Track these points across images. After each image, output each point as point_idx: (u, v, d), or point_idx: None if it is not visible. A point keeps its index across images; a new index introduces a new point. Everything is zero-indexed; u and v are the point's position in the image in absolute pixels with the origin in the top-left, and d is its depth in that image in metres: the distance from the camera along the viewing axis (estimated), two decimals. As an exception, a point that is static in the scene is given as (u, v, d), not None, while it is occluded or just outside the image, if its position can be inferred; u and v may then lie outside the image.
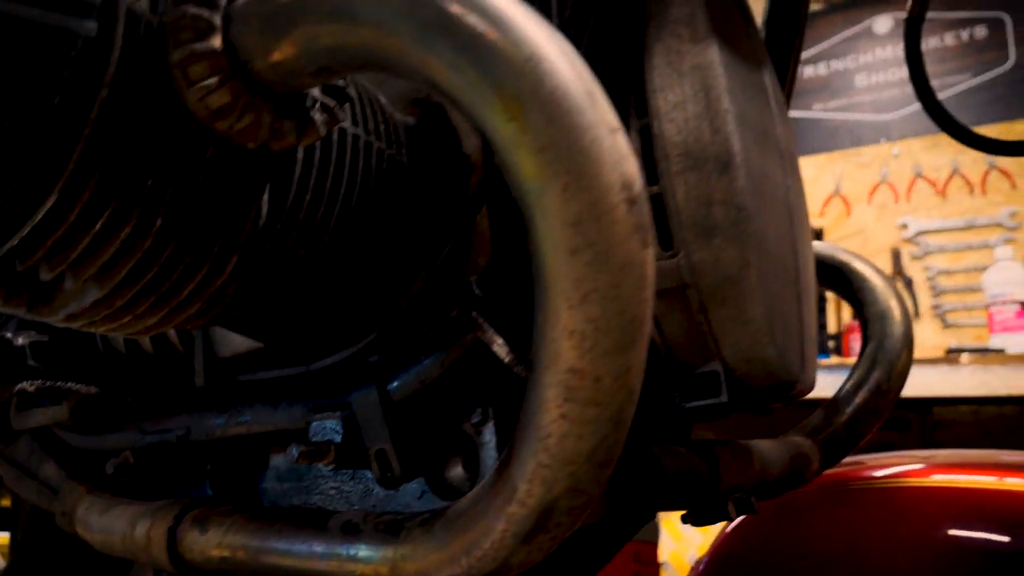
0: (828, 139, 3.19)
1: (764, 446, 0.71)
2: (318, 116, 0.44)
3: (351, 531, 0.51)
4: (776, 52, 0.77)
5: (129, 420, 0.81)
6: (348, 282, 0.60)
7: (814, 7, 3.41)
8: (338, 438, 0.63)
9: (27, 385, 0.76)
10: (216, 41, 0.39)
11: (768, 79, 0.64)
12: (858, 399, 0.83)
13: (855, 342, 2.49)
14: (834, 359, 2.48)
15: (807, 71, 3.40)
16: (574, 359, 0.34)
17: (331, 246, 0.57)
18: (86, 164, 0.39)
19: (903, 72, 3.34)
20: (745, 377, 0.57)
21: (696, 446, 0.61)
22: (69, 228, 0.41)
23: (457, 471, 0.62)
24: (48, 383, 0.77)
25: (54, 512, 0.87)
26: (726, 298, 0.55)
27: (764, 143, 0.59)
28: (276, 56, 0.39)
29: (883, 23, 3.28)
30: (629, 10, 0.57)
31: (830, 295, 3.03)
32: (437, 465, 0.63)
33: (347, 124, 0.56)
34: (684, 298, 0.56)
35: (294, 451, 0.60)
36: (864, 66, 3.13)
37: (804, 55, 3.48)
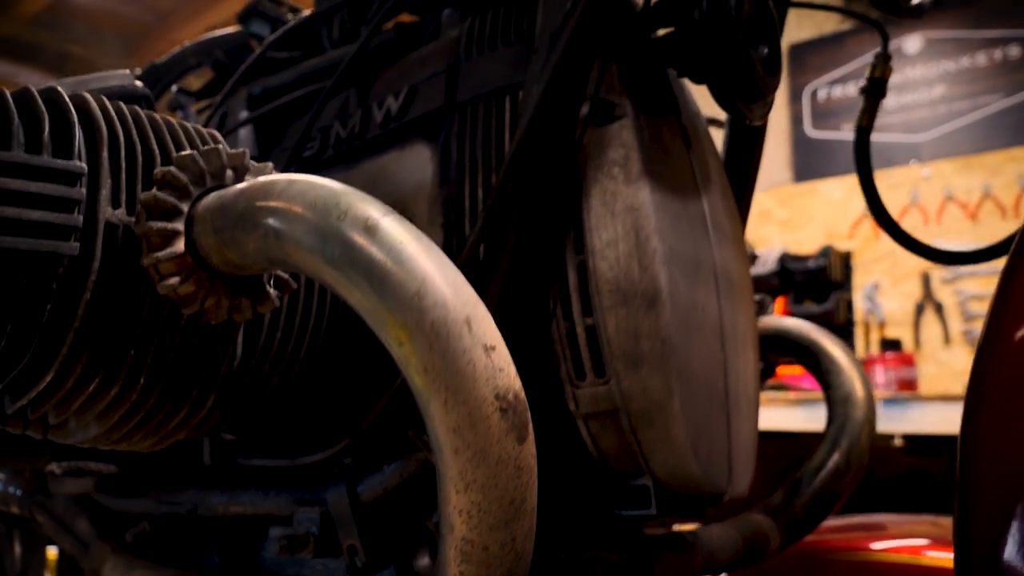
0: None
1: (715, 533, 0.76)
2: (272, 290, 0.52)
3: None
4: (735, 172, 0.82)
5: (146, 491, 0.89)
6: (317, 399, 0.68)
7: (841, 27, 3.39)
8: (316, 529, 0.70)
9: (55, 467, 0.86)
10: (180, 246, 0.47)
11: (709, 206, 0.69)
12: (818, 480, 0.87)
13: (877, 373, 2.48)
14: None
15: (835, 91, 3.38)
16: (465, 531, 0.41)
17: (301, 373, 0.64)
18: (76, 348, 0.47)
19: (933, 92, 3.30)
20: (674, 490, 0.63)
21: (636, 547, 0.66)
22: (67, 392, 0.50)
23: (424, 561, 0.70)
24: (74, 464, 0.87)
25: (84, 568, 0.97)
26: (653, 421, 0.61)
27: (696, 274, 0.65)
28: (228, 256, 0.47)
29: (913, 43, 3.24)
30: (569, 151, 0.63)
31: (858, 318, 3.02)
32: (406, 556, 0.70)
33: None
34: (616, 420, 0.62)
35: (277, 543, 0.68)
36: (893, 86, 3.08)
37: (832, 75, 3.46)
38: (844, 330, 2.98)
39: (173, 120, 0.57)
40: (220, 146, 0.50)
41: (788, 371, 2.93)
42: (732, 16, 0.63)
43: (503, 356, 0.40)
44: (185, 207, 0.48)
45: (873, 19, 0.80)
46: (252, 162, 0.52)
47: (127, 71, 0.69)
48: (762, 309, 1.04)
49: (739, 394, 0.67)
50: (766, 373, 1.03)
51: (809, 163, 3.50)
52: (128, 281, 0.48)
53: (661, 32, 0.67)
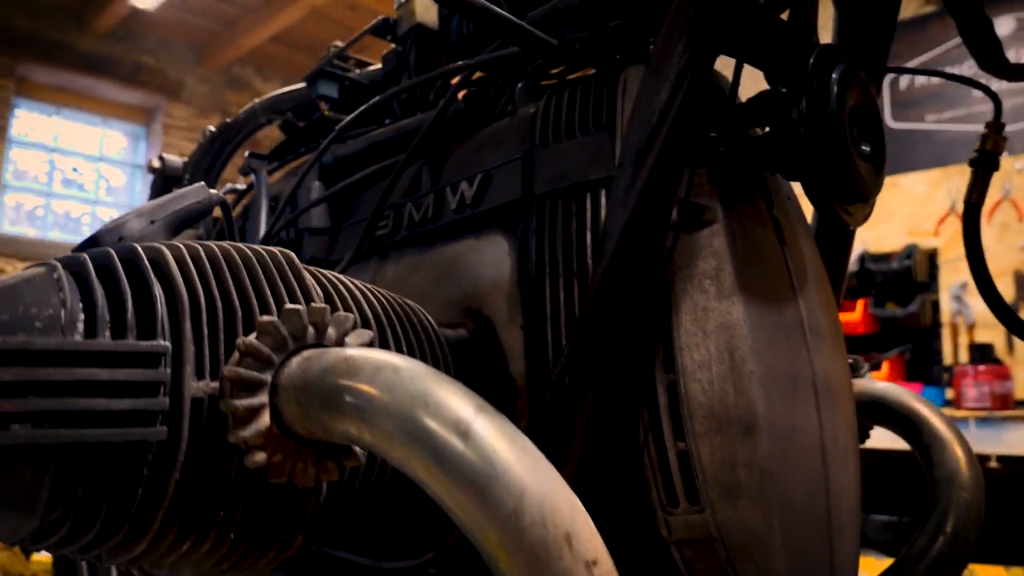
0: (942, 152, 2.98)
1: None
2: (359, 449, 0.50)
3: None
4: (829, 250, 0.77)
5: None
6: (402, 515, 0.67)
7: (924, 9, 3.19)
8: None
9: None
10: (265, 419, 0.46)
11: (806, 308, 0.65)
12: (919, 570, 0.82)
13: (967, 387, 2.35)
14: (945, 412, 2.31)
15: (918, 80, 3.18)
16: None
17: (387, 494, 0.63)
18: (167, 521, 0.47)
19: (1029, 78, 3.08)
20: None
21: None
22: (162, 553, 0.50)
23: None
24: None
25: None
26: (752, 556, 0.58)
27: (795, 392, 0.61)
28: (312, 429, 0.46)
29: (1005, 24, 3.03)
30: (658, 263, 0.60)
31: (945, 320, 2.87)
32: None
33: (396, 387, 0.62)
34: (712, 549, 0.59)
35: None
36: (982, 73, 2.89)
37: (914, 62, 3.27)
38: (930, 333, 2.84)
39: (250, 253, 0.56)
40: (300, 308, 0.48)
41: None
42: (834, 114, 0.58)
43: (605, 568, 0.38)
44: (268, 376, 0.47)
45: (983, 84, 0.73)
46: (334, 315, 0.51)
47: (201, 184, 0.68)
48: (855, 371, 0.98)
49: (841, 512, 0.63)
50: (862, 437, 0.98)
51: (890, 156, 3.32)
52: (216, 453, 0.47)
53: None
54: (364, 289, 0.66)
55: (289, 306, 0.49)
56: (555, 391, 0.58)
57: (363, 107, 0.91)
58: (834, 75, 0.59)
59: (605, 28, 0.75)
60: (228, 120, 1.19)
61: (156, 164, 1.24)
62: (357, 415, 0.42)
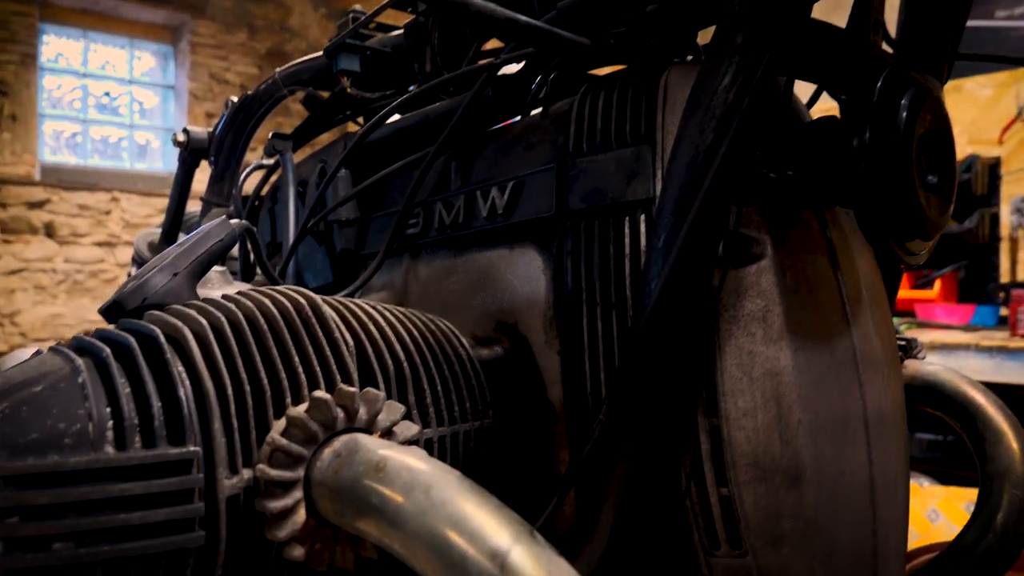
0: (1013, 53, 2.74)
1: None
2: (394, 527, 0.50)
3: None
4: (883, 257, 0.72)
5: None
6: None
7: None
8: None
9: None
10: (301, 515, 0.46)
11: (859, 337, 0.61)
12: (968, 565, 0.81)
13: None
14: (997, 339, 2.22)
15: (987, -30, 2.90)
16: None
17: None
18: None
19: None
20: (816, 659, 0.60)
21: None
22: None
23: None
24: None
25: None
26: (795, 602, 0.57)
27: (844, 435, 0.58)
28: (346, 524, 0.45)
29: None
30: (700, 307, 0.56)
31: (1004, 234, 2.74)
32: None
33: (432, 431, 0.61)
34: (754, 592, 0.59)
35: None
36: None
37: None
38: (987, 249, 2.73)
39: (276, 312, 0.54)
40: (327, 398, 0.47)
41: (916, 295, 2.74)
42: (901, 145, 0.52)
43: None
44: (300, 472, 0.46)
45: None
46: (364, 395, 0.49)
47: (223, 218, 0.66)
48: (910, 351, 0.95)
49: (888, 547, 0.62)
50: (915, 424, 0.95)
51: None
52: (257, 544, 0.48)
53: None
54: (395, 323, 0.65)
55: (318, 394, 0.48)
56: (594, 444, 0.57)
57: (390, 105, 0.87)
58: (904, 100, 0.53)
59: (640, 19, 0.68)
60: (249, 92, 1.14)
61: (181, 138, 1.22)
62: (391, 531, 0.41)
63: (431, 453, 0.62)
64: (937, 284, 2.74)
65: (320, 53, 1.09)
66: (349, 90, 1.00)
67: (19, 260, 4.06)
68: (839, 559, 0.58)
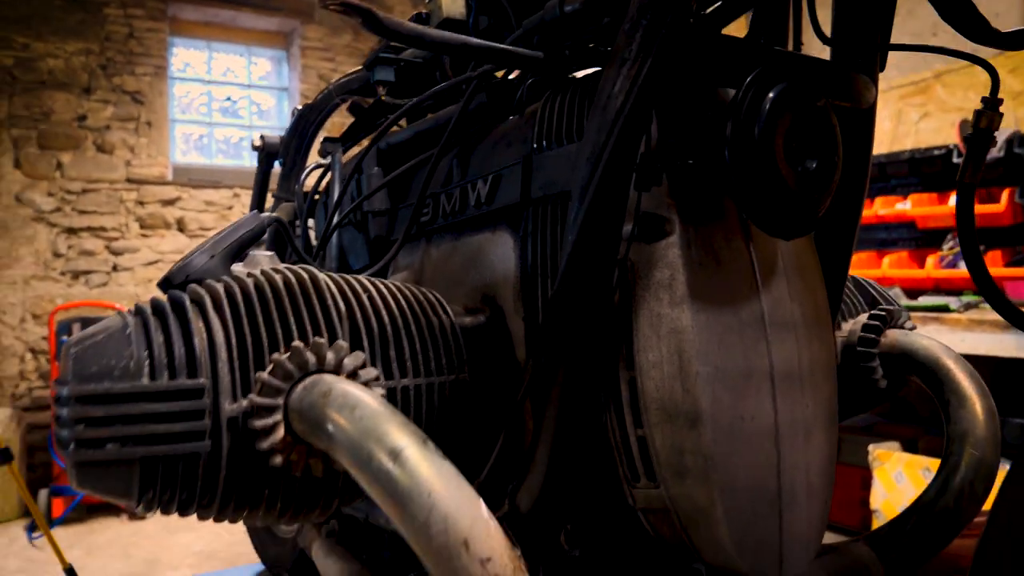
0: None
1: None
2: (357, 447, 0.65)
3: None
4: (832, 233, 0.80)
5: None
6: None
7: None
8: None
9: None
10: (280, 433, 0.62)
11: (770, 302, 0.70)
12: (926, 519, 0.87)
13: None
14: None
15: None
16: None
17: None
18: (225, 499, 0.65)
19: None
20: (725, 574, 0.70)
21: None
22: (231, 516, 0.68)
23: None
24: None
25: (299, 541, 1.24)
26: (699, 525, 0.68)
27: (745, 385, 0.68)
28: (316, 442, 0.61)
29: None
30: (609, 275, 0.67)
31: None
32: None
33: (408, 380, 0.76)
34: (668, 517, 0.70)
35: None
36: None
37: None
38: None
39: (280, 284, 0.70)
40: (300, 345, 0.63)
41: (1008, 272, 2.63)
42: (760, 140, 0.61)
43: (498, 563, 0.50)
44: (280, 400, 0.62)
45: (981, 58, 0.71)
46: (334, 344, 0.64)
47: (254, 212, 0.83)
48: (891, 321, 1.00)
49: (795, 487, 0.70)
50: (894, 388, 1.01)
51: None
52: (253, 453, 0.64)
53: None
54: (385, 293, 0.79)
55: (295, 343, 0.63)
56: (528, 377, 0.69)
57: (388, 121, 1.01)
58: (770, 94, 0.61)
59: (585, 36, 0.79)
60: (308, 102, 1.32)
61: (258, 143, 1.42)
62: (329, 440, 0.56)
63: (407, 399, 0.76)
64: (1032, 262, 2.61)
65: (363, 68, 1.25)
66: (384, 98, 1.15)
67: (155, 252, 4.57)
68: (740, 493, 0.67)
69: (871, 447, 2.43)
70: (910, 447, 2.63)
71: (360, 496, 0.76)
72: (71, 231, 4.43)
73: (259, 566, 1.89)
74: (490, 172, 0.87)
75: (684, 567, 0.73)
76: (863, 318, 1.01)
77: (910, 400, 3.03)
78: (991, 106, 0.73)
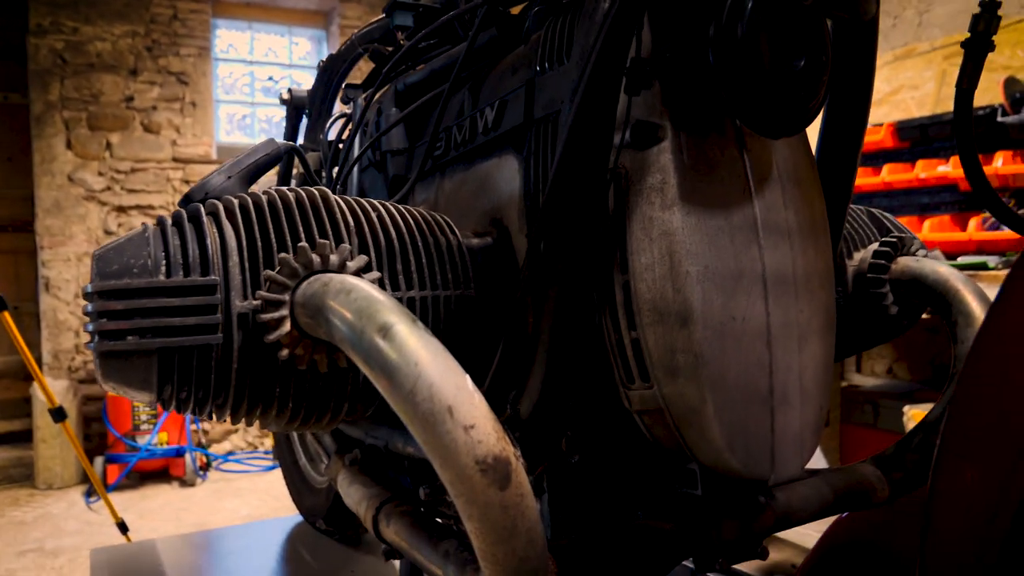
0: None
1: (798, 490, 0.82)
2: (360, 344, 0.68)
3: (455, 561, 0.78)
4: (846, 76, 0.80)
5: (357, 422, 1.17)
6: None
7: None
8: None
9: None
10: (286, 326, 0.65)
11: (763, 207, 0.71)
12: (931, 438, 0.88)
13: None
14: None
15: None
16: (477, 544, 0.56)
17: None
18: (238, 394, 0.69)
19: None
20: (719, 474, 0.72)
21: (695, 516, 0.76)
22: (246, 415, 0.72)
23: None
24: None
25: (326, 473, 1.29)
26: (691, 423, 0.70)
27: (736, 286, 0.69)
28: (319, 334, 0.64)
29: None
30: (601, 180, 0.69)
31: None
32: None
33: (414, 292, 0.79)
34: (663, 417, 0.72)
35: (421, 493, 0.90)
36: None
37: None
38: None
39: (291, 198, 0.74)
40: (305, 245, 0.66)
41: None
42: (743, 39, 0.62)
43: (482, 430, 0.53)
44: (287, 296, 0.66)
45: (980, -40, 0.70)
46: (339, 247, 0.68)
47: (270, 138, 0.87)
48: (901, 248, 1.00)
49: (788, 389, 0.72)
50: (908, 317, 1.01)
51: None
52: (262, 350, 0.68)
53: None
54: (394, 213, 0.83)
55: (301, 244, 0.67)
56: (524, 286, 0.71)
57: (395, 56, 1.04)
58: (754, -7, 0.62)
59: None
60: (332, 53, 1.36)
61: (286, 96, 1.46)
62: (327, 325, 0.60)
63: (414, 309, 0.79)
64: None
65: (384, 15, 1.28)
66: (403, 42, 1.18)
67: (201, 227, 4.74)
68: (730, 391, 0.69)
69: (906, 408, 2.39)
70: (949, 411, 2.57)
71: (367, 401, 0.80)
72: (120, 209, 4.59)
73: (297, 517, 1.97)
74: (496, 98, 0.90)
75: (680, 469, 0.75)
76: (874, 246, 1.00)
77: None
78: (989, 9, 0.73)
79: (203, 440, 4.91)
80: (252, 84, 5.15)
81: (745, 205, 0.71)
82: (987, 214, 2.83)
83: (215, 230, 0.69)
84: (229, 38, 5.08)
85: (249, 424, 0.76)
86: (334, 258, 0.67)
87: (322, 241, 0.67)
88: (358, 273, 0.69)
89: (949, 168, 2.92)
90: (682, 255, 0.68)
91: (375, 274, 0.70)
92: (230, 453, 4.97)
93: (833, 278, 0.79)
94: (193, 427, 4.74)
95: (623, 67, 0.65)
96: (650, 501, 0.78)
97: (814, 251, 0.76)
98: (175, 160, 4.67)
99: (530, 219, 0.83)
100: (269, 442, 5.01)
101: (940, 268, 0.95)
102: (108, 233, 4.54)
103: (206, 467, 4.70)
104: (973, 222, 2.83)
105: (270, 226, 0.71)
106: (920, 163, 3.03)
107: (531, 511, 0.55)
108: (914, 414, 2.38)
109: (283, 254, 0.67)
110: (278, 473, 4.68)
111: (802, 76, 0.65)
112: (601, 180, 0.68)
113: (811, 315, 0.75)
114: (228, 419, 0.73)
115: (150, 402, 0.69)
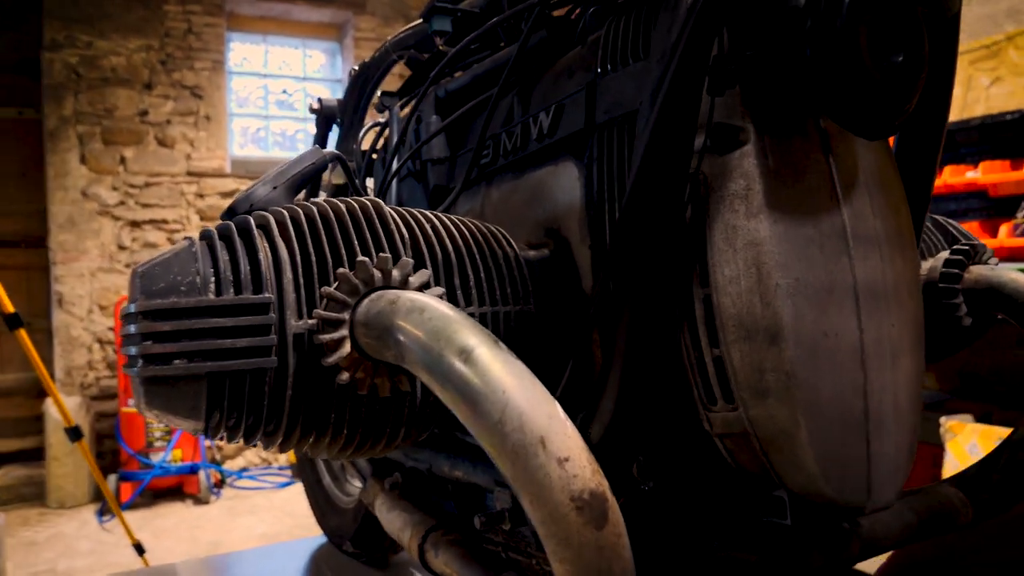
0: None
1: (881, 517, 0.77)
2: (423, 365, 0.63)
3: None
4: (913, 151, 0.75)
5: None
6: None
7: None
8: (510, 504, 0.85)
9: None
10: (346, 348, 0.60)
11: (851, 215, 0.66)
12: (1018, 457, 0.82)
13: None
14: None
15: None
16: None
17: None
18: (292, 421, 0.64)
19: None
20: (809, 503, 0.66)
21: (780, 547, 0.71)
22: (297, 443, 0.67)
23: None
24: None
25: (362, 497, 1.24)
26: (781, 448, 0.64)
27: (828, 300, 0.64)
28: (385, 356, 0.59)
29: None
30: (685, 185, 0.64)
31: None
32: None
33: (473, 308, 0.74)
34: (748, 441, 0.66)
35: (476, 521, 0.84)
36: None
37: None
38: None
39: (343, 209, 0.69)
40: (366, 260, 0.61)
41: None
42: (842, 31, 0.57)
43: (577, 464, 0.48)
44: (346, 315, 0.61)
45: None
46: (400, 261, 0.63)
47: (315, 147, 0.82)
48: (975, 257, 0.94)
49: (883, 411, 0.66)
50: (980, 327, 0.95)
51: None
52: (319, 373, 0.63)
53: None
54: (449, 224, 0.78)
55: (360, 258, 0.62)
56: (596, 304, 0.67)
57: (444, 61, 0.99)
58: (853, -14, 0.58)
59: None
60: (365, 60, 1.32)
61: (315, 106, 1.42)
62: (397, 346, 0.55)
63: (474, 326, 0.74)
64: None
65: (420, 21, 1.24)
66: (441, 47, 1.14)
67: (216, 242, 4.71)
68: (824, 413, 0.64)
69: (943, 419, 2.33)
70: (984, 421, 2.52)
71: (424, 426, 0.75)
72: (134, 224, 4.57)
73: (321, 538, 1.91)
74: (551, 103, 0.85)
75: (765, 496, 0.70)
76: (944, 255, 0.95)
77: (983, 375, 2.92)
78: None
79: (217, 456, 4.86)
80: (266, 97, 5.13)
81: (833, 213, 0.66)
82: (1019, 219, 2.77)
83: (266, 244, 0.64)
84: (243, 51, 5.06)
85: (299, 452, 0.71)
86: (396, 273, 0.63)
87: (383, 255, 0.63)
88: (421, 289, 0.64)
89: (978, 174, 2.86)
90: (771, 266, 0.63)
91: (439, 289, 0.65)
92: (244, 469, 4.92)
93: (920, 289, 0.74)
94: (207, 443, 4.69)
95: (707, 65, 0.60)
96: (729, 530, 0.73)
97: (902, 261, 0.71)
98: (189, 174, 4.64)
99: (593, 230, 0.78)
100: (283, 458, 4.95)
101: (1018, 276, 0.90)
102: (122, 248, 4.51)
103: (220, 484, 4.64)
104: (1004, 228, 2.77)
105: (323, 239, 0.66)
106: (948, 169, 2.97)
107: (627, 552, 0.50)
108: (951, 426, 2.31)
109: (341, 269, 0.62)
110: (293, 489, 4.63)
111: (901, 72, 0.60)
112: (683, 187, 0.63)
113: (902, 329, 0.69)
114: (276, 448, 0.68)
115: (195, 430, 0.65)
